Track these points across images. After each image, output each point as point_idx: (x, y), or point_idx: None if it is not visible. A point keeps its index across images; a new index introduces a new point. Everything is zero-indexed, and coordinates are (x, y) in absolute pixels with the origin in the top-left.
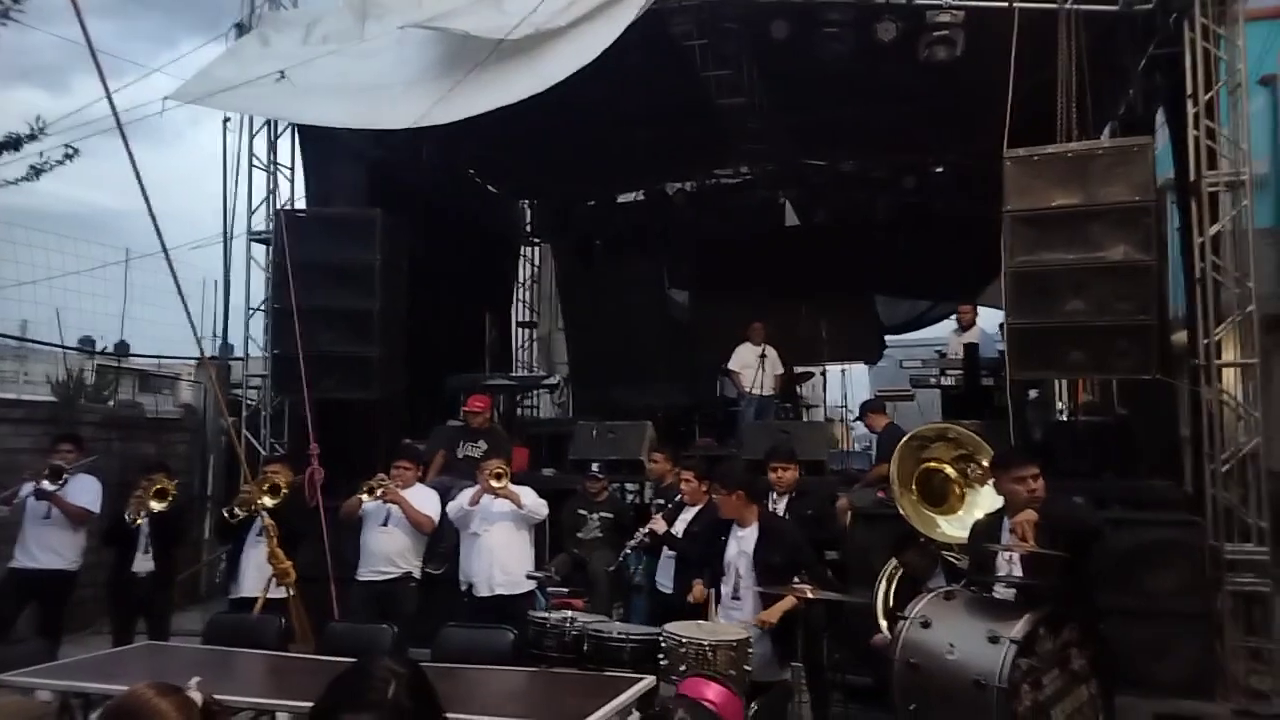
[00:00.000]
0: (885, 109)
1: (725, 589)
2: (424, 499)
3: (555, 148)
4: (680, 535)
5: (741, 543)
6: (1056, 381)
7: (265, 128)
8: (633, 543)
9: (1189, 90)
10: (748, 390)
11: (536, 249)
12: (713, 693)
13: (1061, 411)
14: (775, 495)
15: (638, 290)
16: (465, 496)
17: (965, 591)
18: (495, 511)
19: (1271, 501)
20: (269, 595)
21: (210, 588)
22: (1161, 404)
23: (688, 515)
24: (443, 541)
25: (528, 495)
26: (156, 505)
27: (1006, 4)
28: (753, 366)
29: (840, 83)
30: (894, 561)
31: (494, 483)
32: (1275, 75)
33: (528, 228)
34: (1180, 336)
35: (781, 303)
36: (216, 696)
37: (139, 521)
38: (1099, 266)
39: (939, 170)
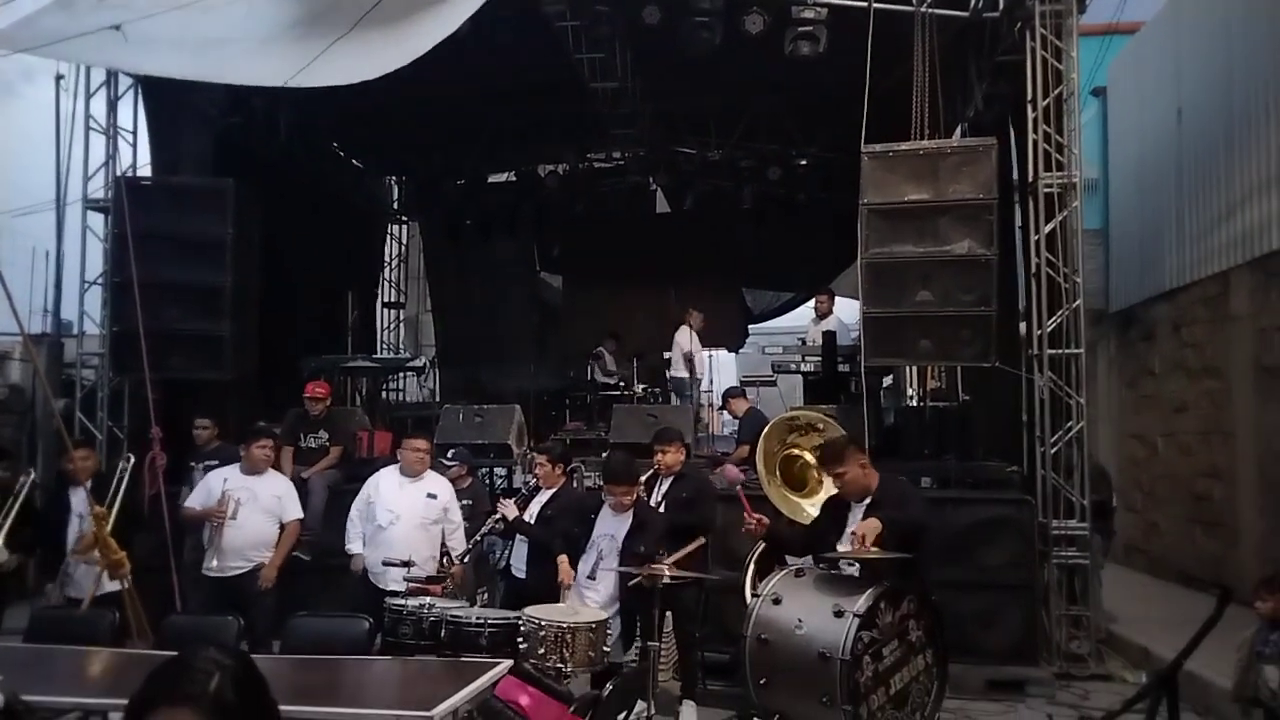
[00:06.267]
0: (752, 100)
1: (583, 567)
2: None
3: (424, 124)
4: (534, 520)
5: (611, 526)
6: (908, 368)
7: (104, 87)
8: (485, 529)
9: (1029, 96)
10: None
11: (404, 227)
12: (526, 697)
13: (911, 397)
14: (660, 476)
15: (508, 272)
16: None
17: (815, 569)
18: (404, 506)
19: (1095, 478)
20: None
21: (39, 582)
22: (1001, 391)
23: (542, 498)
24: (309, 531)
25: (434, 484)
26: None
27: (865, 4)
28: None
29: (710, 71)
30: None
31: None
32: (1104, 87)
33: (395, 205)
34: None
35: (651, 289)
36: (30, 697)
37: None
38: (945, 259)
39: (802, 162)
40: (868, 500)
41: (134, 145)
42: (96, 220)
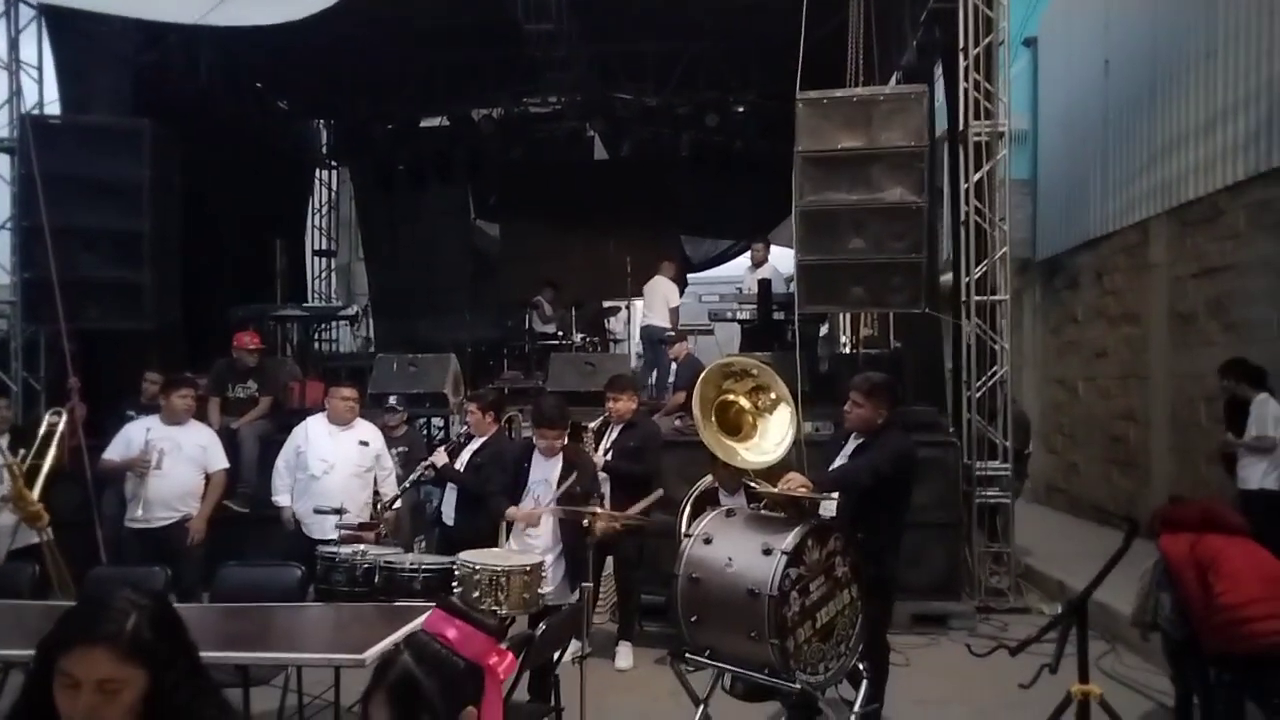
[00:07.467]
0: (689, 45)
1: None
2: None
3: (353, 65)
4: (464, 468)
5: (544, 470)
6: (842, 316)
7: (3, 19)
8: (414, 476)
9: (961, 44)
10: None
11: (334, 173)
12: (454, 630)
13: (845, 345)
14: (611, 424)
15: (442, 219)
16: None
17: (746, 509)
18: (338, 455)
19: (1016, 424)
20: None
21: None
22: (930, 337)
23: (474, 446)
24: (244, 483)
25: (365, 432)
26: None
27: None
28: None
29: (646, 15)
30: (709, 478)
31: None
32: (1035, 38)
33: (323, 149)
34: (950, 277)
35: (589, 237)
36: None
37: None
38: (877, 207)
39: (740, 109)
40: (861, 440)
41: (40, 82)
42: (1, 161)
